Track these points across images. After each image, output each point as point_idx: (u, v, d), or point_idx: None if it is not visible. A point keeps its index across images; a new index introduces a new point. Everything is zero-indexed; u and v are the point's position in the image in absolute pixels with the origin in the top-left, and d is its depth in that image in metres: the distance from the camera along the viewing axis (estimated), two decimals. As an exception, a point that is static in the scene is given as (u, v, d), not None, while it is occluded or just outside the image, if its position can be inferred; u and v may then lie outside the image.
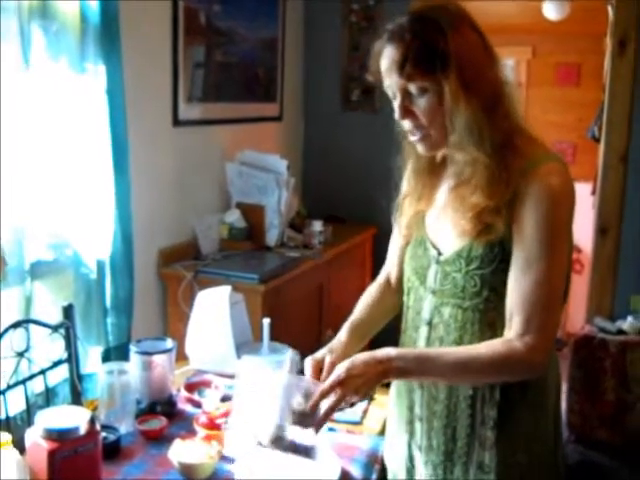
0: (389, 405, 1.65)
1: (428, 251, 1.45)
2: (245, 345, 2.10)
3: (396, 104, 1.36)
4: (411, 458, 1.52)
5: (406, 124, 1.38)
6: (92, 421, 1.39)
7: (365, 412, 1.87)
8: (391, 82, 1.34)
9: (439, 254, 1.43)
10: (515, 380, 1.35)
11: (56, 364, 1.89)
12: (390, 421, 1.63)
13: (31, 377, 1.83)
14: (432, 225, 1.47)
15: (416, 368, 1.33)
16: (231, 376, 2.03)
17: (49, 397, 1.89)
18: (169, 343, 1.84)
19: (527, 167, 1.30)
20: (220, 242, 3.13)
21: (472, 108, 1.29)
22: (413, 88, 1.32)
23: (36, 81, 2.09)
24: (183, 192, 3.02)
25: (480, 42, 1.34)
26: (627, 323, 3.31)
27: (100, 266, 2.37)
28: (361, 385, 1.31)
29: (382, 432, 1.76)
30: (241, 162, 3.24)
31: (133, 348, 1.80)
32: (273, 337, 2.07)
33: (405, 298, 1.54)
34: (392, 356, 1.32)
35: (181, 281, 2.77)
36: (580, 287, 4.22)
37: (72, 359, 1.91)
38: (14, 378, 1.78)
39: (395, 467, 1.58)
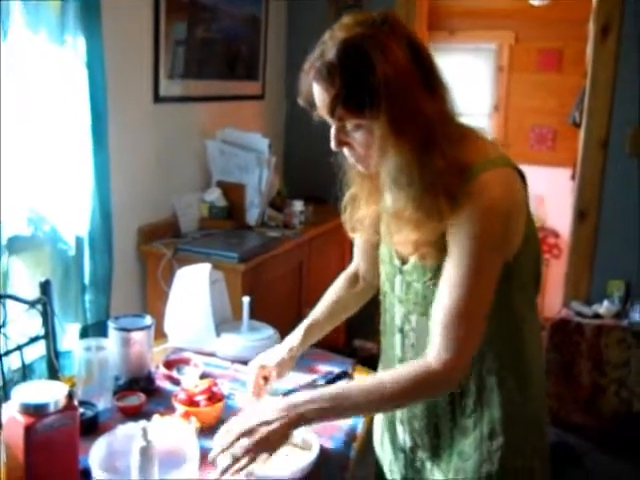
0: None
1: (393, 260, 1.45)
2: (225, 323, 2.09)
3: (331, 133, 1.32)
4: (396, 456, 1.54)
5: (344, 150, 1.35)
6: (70, 396, 1.37)
7: (344, 391, 1.87)
8: (323, 116, 1.30)
9: (402, 264, 1.42)
10: (435, 398, 1.37)
11: (33, 340, 1.87)
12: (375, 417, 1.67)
13: (7, 353, 1.82)
14: (385, 231, 1.45)
15: (331, 406, 1.31)
16: (210, 354, 2.03)
17: (26, 373, 1.87)
18: (148, 320, 1.83)
19: (466, 179, 1.24)
20: (200, 221, 3.12)
21: (402, 152, 1.24)
22: (347, 124, 1.28)
23: (14, 53, 2.05)
24: (163, 169, 2.99)
25: (417, 70, 1.23)
26: (603, 307, 3.35)
27: (79, 242, 2.35)
28: (273, 433, 1.30)
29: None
30: (222, 140, 3.22)
31: (111, 324, 1.79)
32: (253, 316, 2.06)
33: (381, 299, 1.55)
34: (306, 399, 1.32)
35: (160, 259, 2.75)
36: (557, 271, 4.26)
37: (49, 335, 1.89)
38: (-10, 354, 1.76)
39: (385, 460, 1.60)
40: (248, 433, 1.31)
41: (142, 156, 2.85)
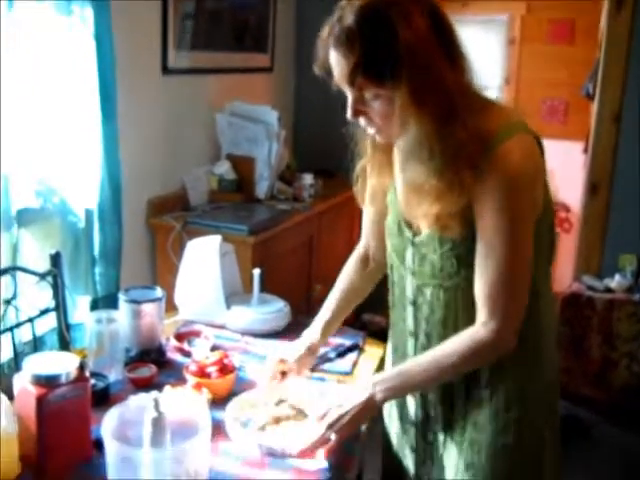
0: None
1: (403, 232, 1.43)
2: (235, 296, 2.08)
3: (348, 103, 1.29)
4: (405, 429, 1.54)
5: (359, 120, 1.32)
6: (81, 367, 1.37)
7: (355, 363, 1.86)
8: (341, 85, 1.27)
9: (414, 235, 1.40)
10: (487, 364, 1.36)
11: (43, 312, 1.87)
12: None
13: (18, 325, 1.82)
14: (402, 202, 1.42)
15: (394, 385, 1.38)
16: (221, 327, 2.03)
17: (37, 346, 1.87)
18: (158, 292, 1.82)
19: (488, 148, 1.22)
20: (210, 194, 3.10)
21: (423, 123, 1.21)
22: (365, 94, 1.25)
23: (21, 23, 2.02)
24: (172, 142, 2.97)
25: (439, 39, 1.20)
26: (615, 281, 3.33)
27: (88, 215, 2.34)
28: (350, 420, 1.40)
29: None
30: (231, 113, 3.19)
31: (122, 296, 1.78)
32: (263, 289, 2.06)
33: (389, 273, 1.53)
34: (374, 381, 1.40)
35: (170, 232, 2.74)
36: (568, 246, 4.23)
37: (60, 307, 1.89)
38: (1, 326, 1.76)
39: (393, 434, 1.60)
40: (331, 427, 1.39)
41: (151, 128, 2.83)
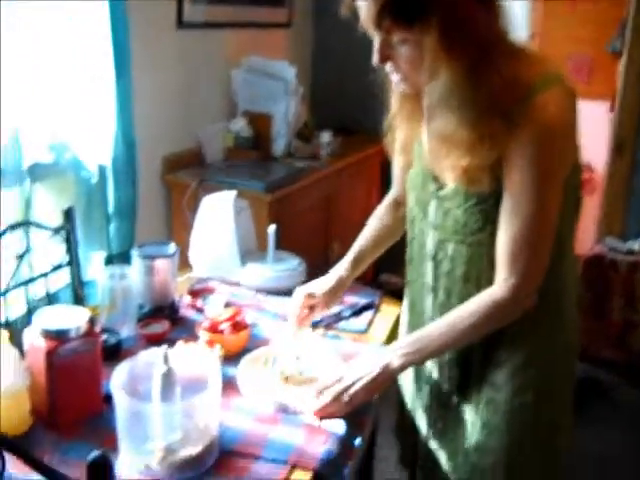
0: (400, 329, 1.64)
1: (427, 184, 1.37)
2: (250, 253, 2.05)
3: (374, 47, 1.22)
4: (420, 387, 1.52)
5: (386, 67, 1.26)
6: (92, 321, 1.35)
7: (370, 322, 1.83)
8: (367, 28, 1.21)
9: (438, 189, 1.34)
10: (507, 323, 1.31)
11: (57, 268, 1.85)
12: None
13: (32, 280, 1.80)
14: (428, 154, 1.37)
15: (412, 351, 1.33)
16: (235, 284, 2.00)
17: (50, 302, 1.85)
18: (172, 248, 1.79)
19: (523, 98, 1.16)
20: (225, 151, 3.06)
21: (454, 70, 1.14)
22: (393, 38, 1.18)
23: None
24: (187, 98, 2.93)
25: None
26: (638, 243, 3.27)
27: (102, 171, 2.31)
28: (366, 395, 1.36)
29: (388, 341, 1.73)
30: (247, 69, 3.13)
31: (135, 252, 1.76)
32: (279, 247, 2.03)
33: (408, 226, 1.48)
34: (389, 349, 1.36)
35: (185, 189, 2.71)
36: (591, 208, 4.15)
37: (73, 263, 1.87)
38: (14, 281, 1.74)
39: (407, 392, 1.58)
40: (343, 393, 1.35)
41: (166, 84, 2.78)
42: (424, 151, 1.38)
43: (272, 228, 1.98)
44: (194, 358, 1.33)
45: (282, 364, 1.51)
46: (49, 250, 1.90)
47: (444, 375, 1.43)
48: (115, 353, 1.58)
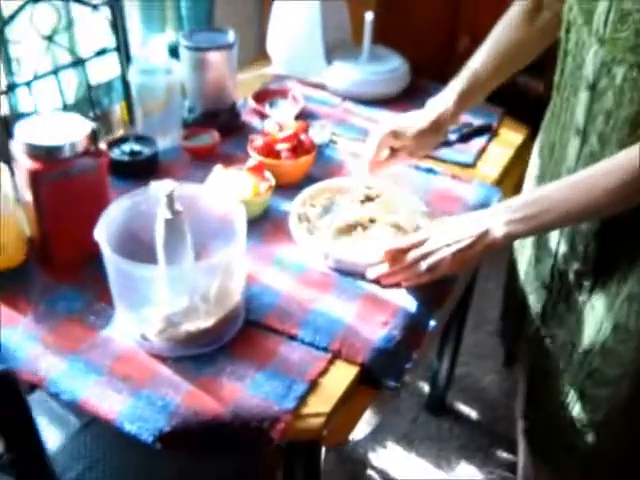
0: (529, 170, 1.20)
1: None
2: (340, 47, 1.63)
3: None
4: (539, 259, 1.12)
5: None
6: (93, 135, 1.02)
7: (482, 151, 1.40)
8: None
9: None
10: None
11: (100, 53, 1.50)
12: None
13: (65, 67, 1.46)
14: None
15: (531, 217, 0.93)
16: (318, 86, 1.61)
17: (91, 96, 1.53)
18: (230, 36, 1.40)
19: None
20: None
21: None
22: None
23: None
24: None
25: None
26: None
27: None
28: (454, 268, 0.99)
29: (500, 181, 1.32)
30: None
31: (183, 41, 1.38)
32: (381, 42, 1.58)
33: (563, 35, 0.98)
34: (491, 211, 0.99)
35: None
36: None
37: (121, 48, 1.52)
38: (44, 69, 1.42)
39: (522, 261, 1.19)
40: (422, 259, 1.00)
41: None
42: None
43: (369, 16, 1.54)
44: (213, 199, 0.98)
45: (346, 208, 1.15)
46: (93, 31, 1.54)
47: (576, 250, 1.02)
48: (150, 169, 1.28)
